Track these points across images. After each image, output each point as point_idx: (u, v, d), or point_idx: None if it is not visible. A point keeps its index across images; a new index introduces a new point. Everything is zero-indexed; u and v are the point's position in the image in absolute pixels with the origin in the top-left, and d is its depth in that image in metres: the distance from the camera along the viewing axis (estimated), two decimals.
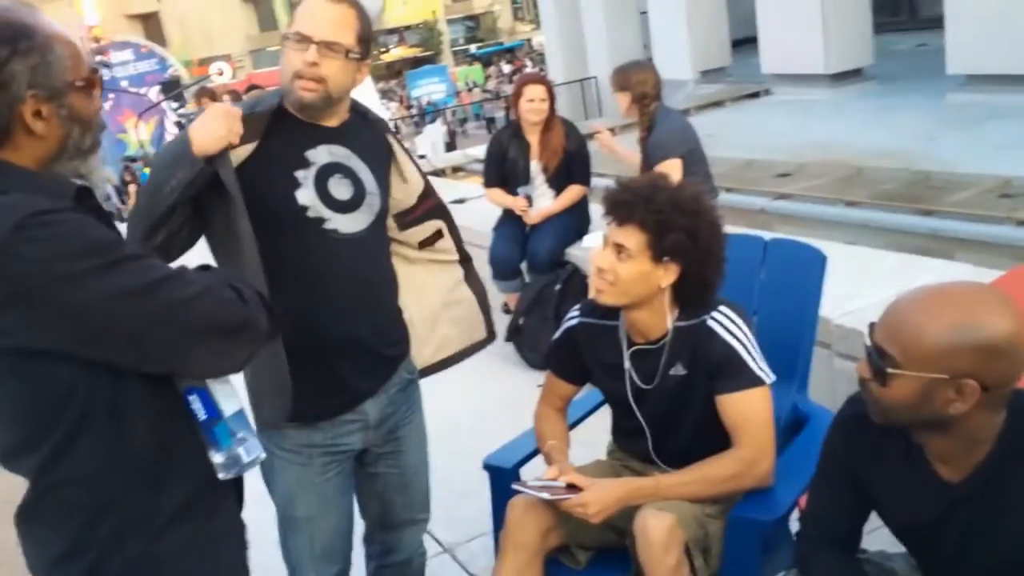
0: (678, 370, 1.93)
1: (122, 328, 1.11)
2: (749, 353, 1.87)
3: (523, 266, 4.42)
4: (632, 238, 1.84)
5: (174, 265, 1.26)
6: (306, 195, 1.77)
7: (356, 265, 1.82)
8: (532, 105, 4.16)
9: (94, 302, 1.08)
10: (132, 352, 1.15)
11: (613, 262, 1.87)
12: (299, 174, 1.77)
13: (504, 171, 4.37)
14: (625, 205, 1.85)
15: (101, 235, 1.12)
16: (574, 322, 2.10)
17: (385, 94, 33.90)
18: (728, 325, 1.89)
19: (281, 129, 1.78)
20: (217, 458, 1.37)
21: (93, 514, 1.17)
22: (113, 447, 1.17)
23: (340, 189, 1.81)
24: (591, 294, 3.90)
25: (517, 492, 1.90)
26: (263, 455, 1.47)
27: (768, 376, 1.88)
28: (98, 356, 1.13)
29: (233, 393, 1.38)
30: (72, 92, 1.17)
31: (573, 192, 4.30)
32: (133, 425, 1.18)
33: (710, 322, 1.89)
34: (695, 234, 1.84)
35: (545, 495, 1.82)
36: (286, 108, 1.79)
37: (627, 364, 1.99)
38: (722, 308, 1.91)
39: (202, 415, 1.34)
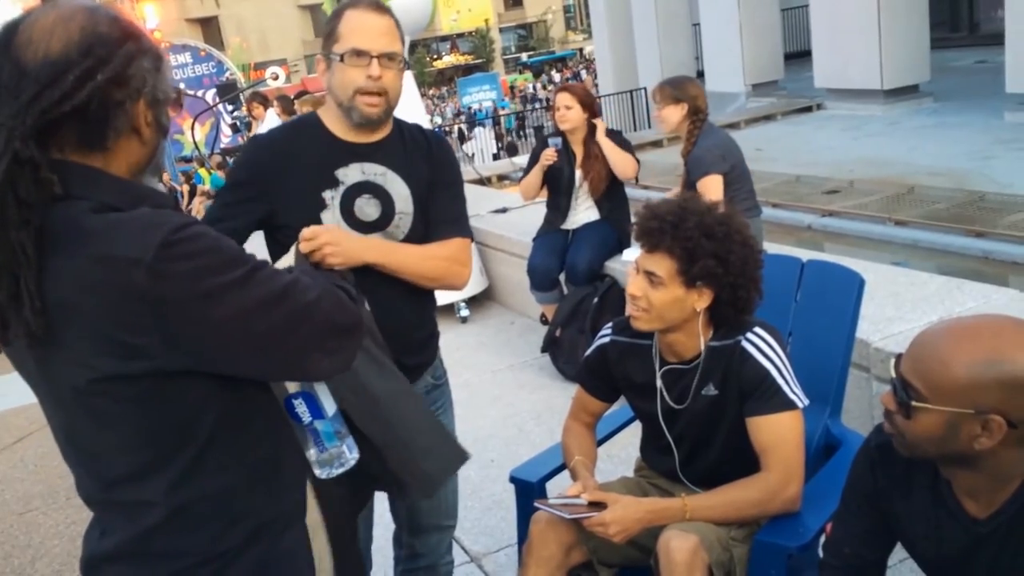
0: (710, 390, 1.91)
1: (257, 338, 1.11)
2: (782, 375, 1.85)
3: (562, 277, 4.42)
4: (662, 265, 1.83)
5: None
6: (330, 215, 1.80)
7: (371, 281, 1.76)
8: (559, 113, 4.18)
9: (235, 315, 1.07)
10: (261, 361, 1.14)
11: (646, 289, 1.86)
12: (326, 194, 1.80)
13: (548, 178, 4.36)
14: (653, 232, 1.84)
15: (232, 245, 1.11)
16: (606, 340, 2.09)
17: (436, 100, 34.19)
18: (762, 347, 1.87)
19: (317, 146, 1.82)
20: (321, 457, 1.41)
21: (224, 527, 1.17)
22: (241, 459, 1.17)
23: (367, 209, 1.82)
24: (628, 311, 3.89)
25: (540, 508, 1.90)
26: (358, 454, 1.50)
27: (801, 400, 1.86)
28: (231, 370, 1.13)
29: (329, 394, 1.42)
30: (167, 104, 1.17)
31: (627, 157, 4.15)
32: (255, 436, 1.20)
33: (744, 343, 1.88)
34: (726, 259, 1.82)
35: (565, 514, 1.81)
36: (324, 124, 1.83)
37: (659, 383, 1.98)
38: (757, 329, 1.90)
39: (307, 418, 1.39)
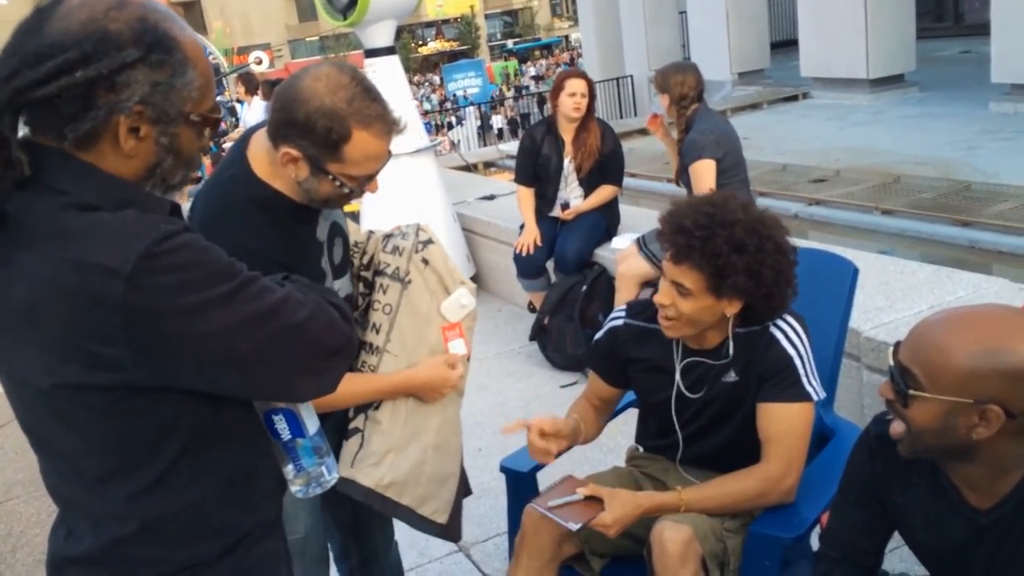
0: (730, 377, 1.88)
1: (239, 358, 1.05)
2: (804, 366, 1.83)
3: (549, 265, 4.39)
4: (690, 277, 1.78)
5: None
6: (329, 280, 1.70)
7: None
8: (573, 100, 4.13)
9: (217, 333, 1.01)
10: (243, 381, 1.09)
11: (675, 298, 1.81)
12: (323, 263, 1.69)
13: (536, 168, 4.35)
14: (681, 247, 1.77)
15: (221, 258, 1.05)
16: (619, 322, 2.05)
17: (421, 87, 34.03)
18: (790, 334, 1.85)
19: (294, 222, 1.61)
20: (298, 477, 1.36)
21: (197, 539, 1.13)
22: (214, 474, 1.13)
23: (337, 251, 1.73)
24: (618, 300, 3.86)
25: (534, 497, 1.87)
26: (338, 475, 1.45)
27: (817, 393, 1.83)
28: (209, 389, 1.08)
29: (312, 411, 1.36)
30: (183, 123, 1.07)
31: (605, 192, 4.26)
32: (230, 451, 1.15)
33: (773, 329, 1.85)
34: (758, 272, 1.76)
35: (572, 526, 1.73)
36: (282, 192, 1.58)
37: (678, 373, 1.94)
38: (786, 316, 1.87)
39: (286, 435, 1.32)
